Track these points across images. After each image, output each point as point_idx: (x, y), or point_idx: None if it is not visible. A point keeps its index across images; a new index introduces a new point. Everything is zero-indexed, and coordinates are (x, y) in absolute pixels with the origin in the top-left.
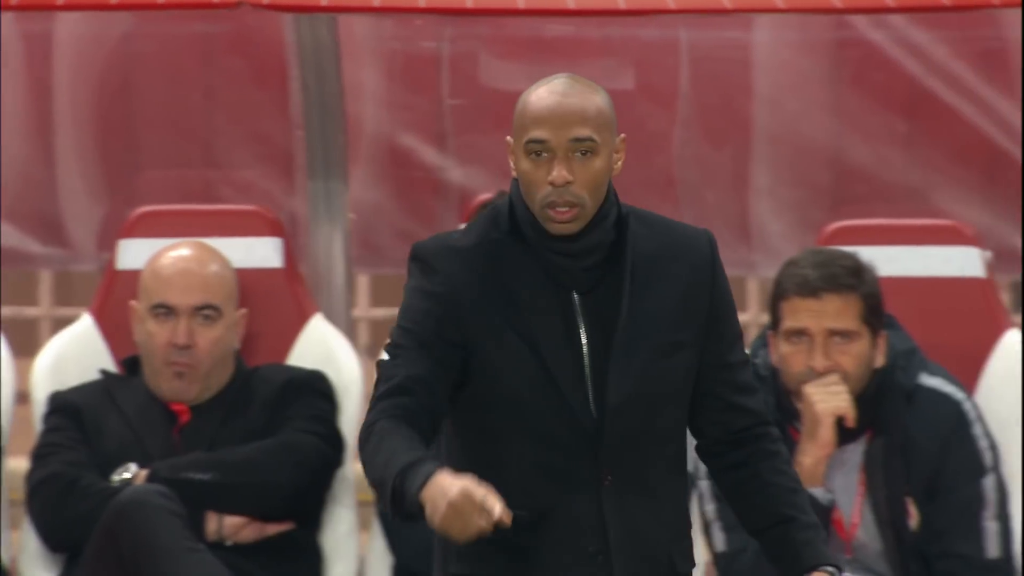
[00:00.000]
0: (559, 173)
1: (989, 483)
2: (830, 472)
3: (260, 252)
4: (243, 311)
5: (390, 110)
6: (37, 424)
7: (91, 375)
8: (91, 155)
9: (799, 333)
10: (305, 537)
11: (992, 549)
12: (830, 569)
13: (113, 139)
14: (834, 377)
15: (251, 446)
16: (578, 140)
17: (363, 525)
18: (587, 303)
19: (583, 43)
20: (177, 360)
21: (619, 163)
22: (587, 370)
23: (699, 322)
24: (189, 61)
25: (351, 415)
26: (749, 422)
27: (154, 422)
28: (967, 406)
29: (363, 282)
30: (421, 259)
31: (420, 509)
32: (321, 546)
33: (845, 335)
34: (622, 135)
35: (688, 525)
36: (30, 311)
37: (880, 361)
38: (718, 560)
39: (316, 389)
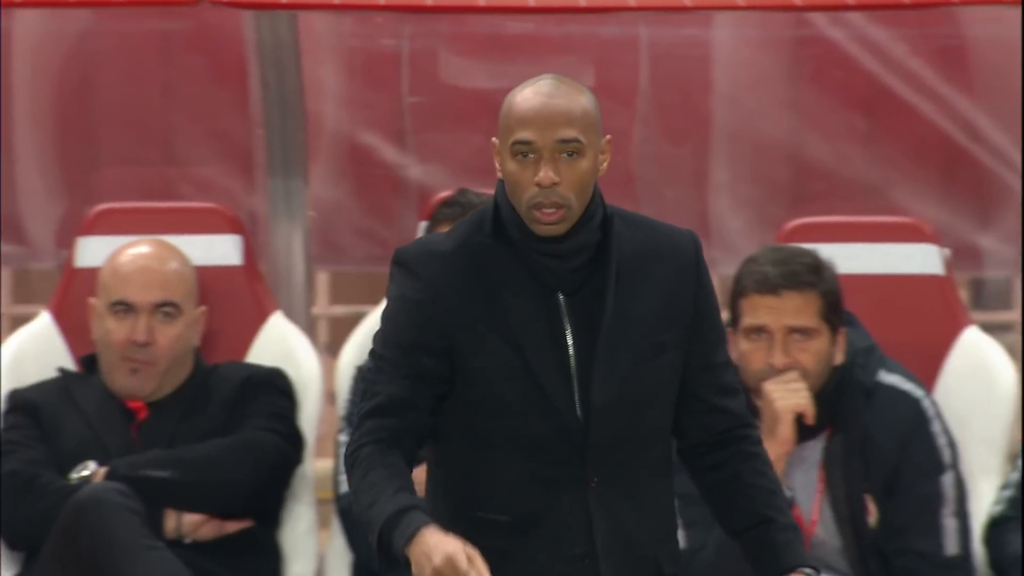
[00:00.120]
0: (545, 174)
1: (948, 480)
2: (789, 469)
3: (219, 249)
4: (202, 308)
5: (350, 108)
6: None
7: (49, 373)
8: (50, 152)
9: (758, 330)
10: (264, 535)
11: (951, 546)
12: (808, 571)
13: (72, 136)
14: (793, 374)
15: (210, 443)
16: (564, 141)
17: (323, 523)
18: (573, 304)
19: (543, 40)
20: (135, 357)
21: (604, 164)
22: (573, 371)
23: (684, 323)
24: (148, 58)
25: (310, 413)
26: (731, 424)
27: (112, 420)
28: (926, 403)
29: (323, 280)
30: (403, 264)
31: (406, 560)
32: (280, 544)
33: (804, 332)
34: (607, 136)
35: (674, 526)
36: None
37: (839, 358)
38: None
39: (275, 387)
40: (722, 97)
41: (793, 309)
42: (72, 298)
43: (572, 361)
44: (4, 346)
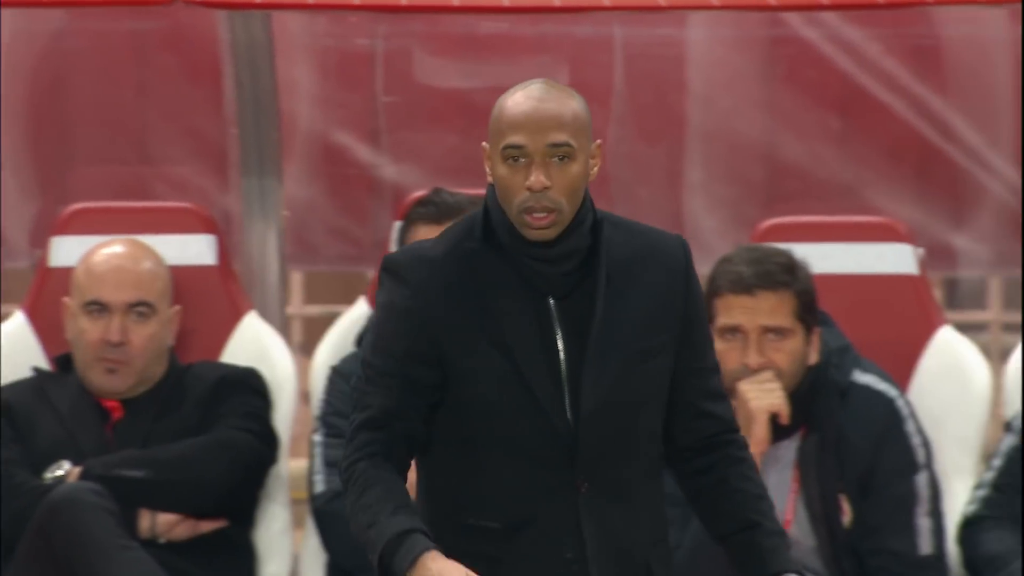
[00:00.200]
0: (536, 178)
1: (922, 480)
2: (764, 469)
3: (194, 249)
4: (177, 308)
5: (324, 107)
6: None
7: (23, 372)
8: (23, 152)
9: (733, 330)
10: (239, 535)
11: (925, 546)
12: None
13: (46, 136)
14: (768, 374)
15: (184, 443)
16: (555, 145)
17: (297, 523)
18: (563, 309)
19: (517, 40)
20: (110, 357)
21: (595, 168)
22: (563, 376)
23: (673, 327)
24: (122, 58)
25: (285, 412)
26: (718, 428)
27: (87, 419)
28: (900, 403)
29: (297, 279)
30: (392, 271)
31: None
32: (255, 544)
33: (779, 332)
34: (598, 140)
35: (665, 530)
36: None
37: (814, 358)
38: None
39: (250, 386)
40: (696, 97)
41: (768, 309)
42: (46, 298)
43: (563, 366)
44: None
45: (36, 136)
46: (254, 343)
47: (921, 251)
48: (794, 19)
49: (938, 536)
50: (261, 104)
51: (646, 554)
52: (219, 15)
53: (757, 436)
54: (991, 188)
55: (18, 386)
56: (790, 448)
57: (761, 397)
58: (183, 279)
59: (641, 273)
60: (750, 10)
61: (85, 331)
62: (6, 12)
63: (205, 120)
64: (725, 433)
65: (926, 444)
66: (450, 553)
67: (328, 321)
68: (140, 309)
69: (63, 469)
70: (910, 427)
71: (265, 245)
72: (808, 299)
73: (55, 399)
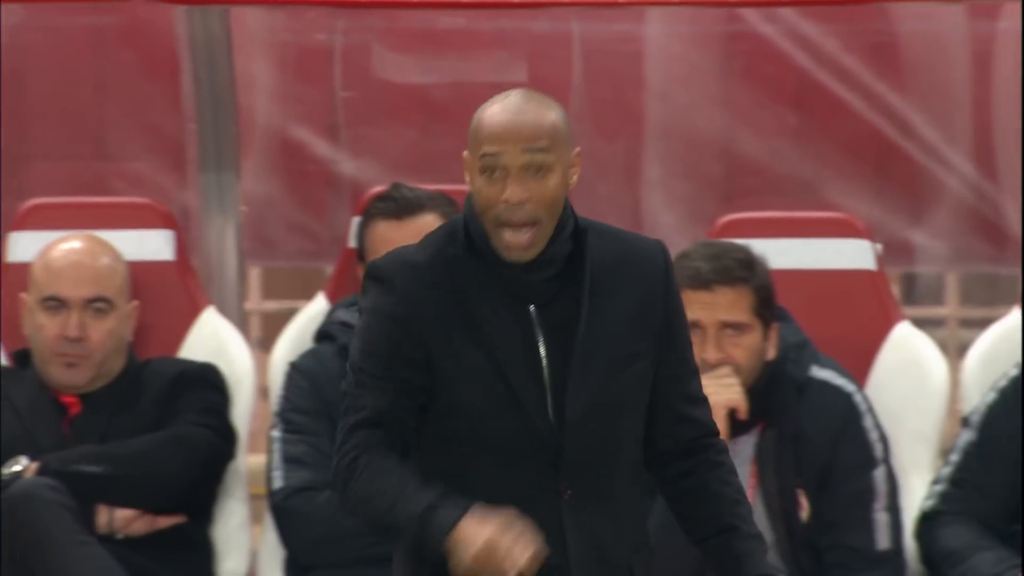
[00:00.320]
0: (513, 192)
1: (879, 475)
2: None
3: (152, 245)
4: (134, 304)
5: (282, 102)
6: None
7: None
8: None
9: (691, 326)
10: (197, 530)
11: (882, 540)
12: None
13: (3, 131)
14: (726, 369)
15: (142, 438)
16: (533, 159)
17: (255, 518)
18: (545, 315)
19: (475, 36)
20: (68, 352)
21: (575, 177)
22: (547, 382)
23: (654, 332)
24: (80, 53)
25: (243, 408)
26: (698, 433)
27: (44, 415)
28: (858, 398)
29: (255, 275)
30: (378, 278)
31: (443, 554)
32: (213, 539)
33: (737, 327)
34: (577, 149)
35: (647, 536)
36: None
37: (772, 353)
38: None
39: (208, 382)
40: (654, 93)
41: (726, 304)
42: (4, 294)
43: (545, 372)
44: None
45: None
46: (212, 339)
47: (879, 247)
48: (752, 15)
49: (895, 531)
50: (219, 100)
51: (628, 559)
52: (177, 10)
53: None
54: (949, 184)
55: None
56: (748, 443)
57: (719, 392)
58: (141, 275)
59: (622, 279)
60: (708, 6)
61: (43, 327)
62: None
63: (163, 116)
64: (705, 437)
65: (883, 439)
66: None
67: (286, 317)
68: (98, 305)
69: (20, 464)
70: (868, 422)
71: (223, 241)
72: (766, 295)
73: (12, 394)
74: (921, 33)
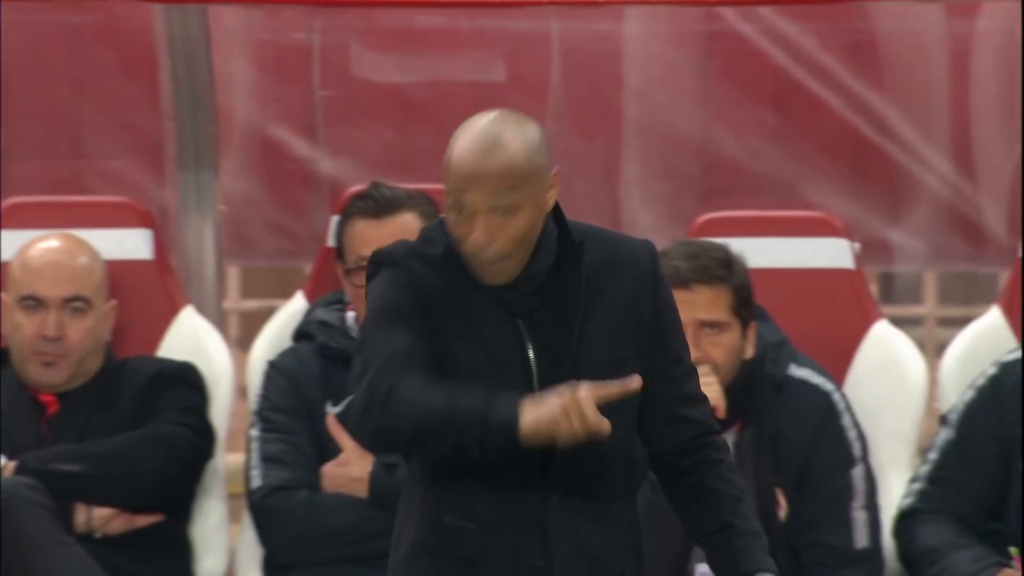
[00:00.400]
0: (479, 235)
1: (858, 473)
2: None
3: (130, 244)
4: (113, 303)
5: (261, 101)
6: None
7: None
8: None
9: None
10: (175, 529)
11: (861, 539)
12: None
13: None
14: (705, 368)
15: (120, 437)
16: (499, 201)
17: (234, 517)
18: (532, 326)
19: (454, 34)
20: (46, 351)
21: (552, 199)
22: (536, 389)
23: (643, 335)
24: (58, 52)
25: (222, 407)
26: (695, 432)
27: (22, 413)
28: (836, 397)
29: (233, 274)
30: (390, 262)
31: (511, 435)
32: (191, 538)
33: (715, 326)
34: (555, 169)
35: (639, 539)
36: None
37: (750, 352)
38: None
39: (186, 380)
40: (633, 92)
41: (704, 303)
42: None
43: (535, 378)
44: None
45: None
46: (191, 338)
47: (857, 246)
48: (730, 14)
49: (874, 529)
50: (198, 98)
51: (620, 563)
52: (155, 9)
53: None
54: (927, 183)
55: None
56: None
57: None
58: (119, 274)
59: (610, 281)
60: (686, 5)
61: (21, 326)
62: None
63: (141, 114)
64: (703, 436)
65: (862, 438)
66: (429, 550)
67: (265, 316)
68: (76, 304)
69: None
70: (846, 421)
71: (202, 239)
72: (744, 293)
73: None
74: (899, 32)
